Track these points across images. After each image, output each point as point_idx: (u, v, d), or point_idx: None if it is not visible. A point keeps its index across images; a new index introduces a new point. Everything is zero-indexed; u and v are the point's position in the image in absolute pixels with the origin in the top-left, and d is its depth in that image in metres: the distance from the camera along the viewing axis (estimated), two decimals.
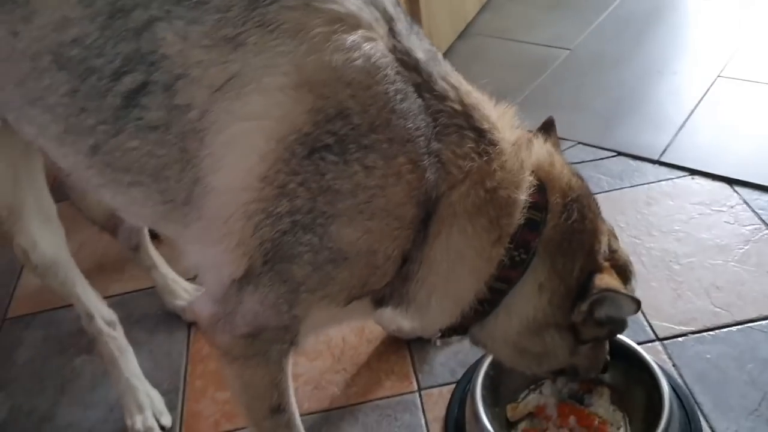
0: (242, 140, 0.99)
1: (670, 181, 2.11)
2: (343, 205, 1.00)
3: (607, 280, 1.15)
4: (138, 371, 1.66)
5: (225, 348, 1.17)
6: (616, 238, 1.25)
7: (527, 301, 1.16)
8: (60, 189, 1.58)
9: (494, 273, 1.11)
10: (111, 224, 1.75)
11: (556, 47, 2.79)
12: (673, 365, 1.58)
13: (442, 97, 1.04)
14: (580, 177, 1.21)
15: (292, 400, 1.27)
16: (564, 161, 1.20)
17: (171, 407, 1.69)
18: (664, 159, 2.19)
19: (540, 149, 1.17)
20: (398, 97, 0.98)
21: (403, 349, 1.73)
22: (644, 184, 2.11)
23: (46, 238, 1.46)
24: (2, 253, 1.91)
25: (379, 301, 1.15)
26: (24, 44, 1.03)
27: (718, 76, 2.49)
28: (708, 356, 1.59)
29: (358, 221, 1.01)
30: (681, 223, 1.96)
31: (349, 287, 1.07)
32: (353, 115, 0.97)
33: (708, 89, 2.44)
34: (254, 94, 0.97)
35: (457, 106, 1.05)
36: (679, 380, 1.55)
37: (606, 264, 1.18)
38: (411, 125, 0.99)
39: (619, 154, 2.23)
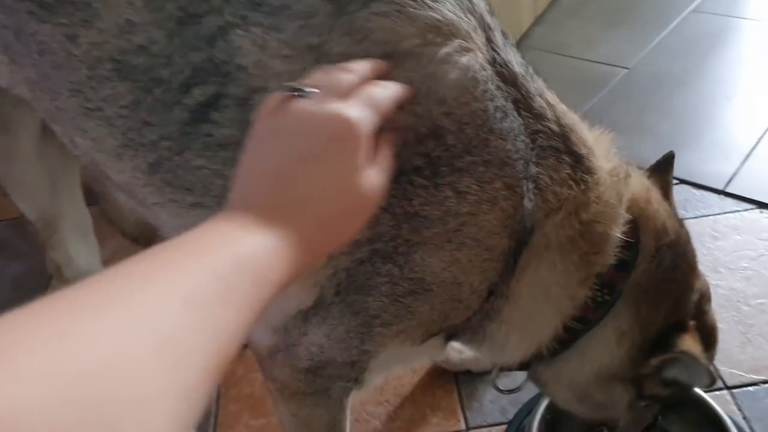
0: None
1: (737, 213, 1.99)
2: (429, 233, 0.90)
3: (689, 342, 1.04)
4: None
5: (283, 382, 1.08)
6: (709, 299, 1.14)
7: (604, 347, 1.06)
8: (88, 194, 1.52)
9: (576, 313, 1.01)
10: (144, 237, 1.67)
11: (614, 65, 2.67)
12: (744, 417, 1.47)
13: (540, 116, 0.93)
14: (679, 221, 1.09)
15: None
16: (662, 200, 1.09)
17: None
18: (730, 189, 2.07)
19: (638, 182, 1.05)
20: (498, 115, 0.87)
21: (450, 383, 1.64)
22: (709, 215, 1.99)
23: (82, 253, 1.39)
24: (31, 263, 1.85)
25: (452, 336, 1.06)
26: (83, 50, 0.93)
27: None
28: None
29: (445, 250, 0.91)
30: (749, 260, 1.83)
31: (428, 322, 0.98)
32: (447, 134, 0.86)
33: None
34: None
35: (555, 127, 0.94)
36: None
37: (692, 324, 1.07)
38: (510, 147, 0.89)
39: (682, 182, 2.11)
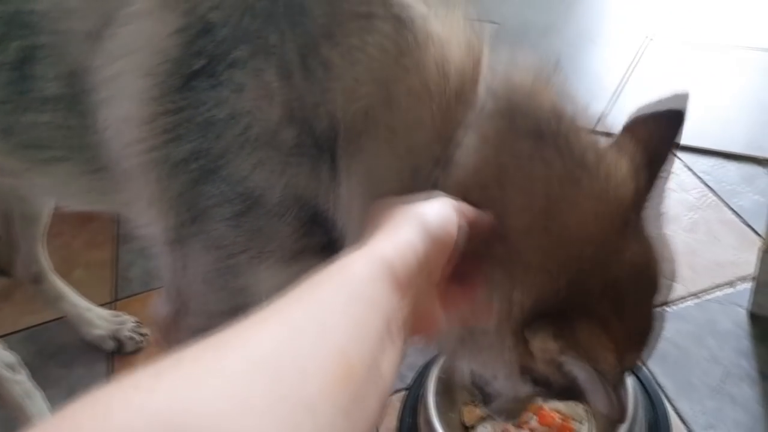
0: (120, 83, 0.86)
1: None
2: (227, 138, 0.85)
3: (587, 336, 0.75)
4: (48, 415, 1.48)
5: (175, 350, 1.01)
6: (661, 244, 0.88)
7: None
8: None
9: None
10: (4, 261, 1.56)
11: (483, 21, 2.68)
12: None
13: None
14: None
15: None
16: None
17: None
18: (601, 128, 2.10)
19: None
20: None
21: None
22: None
23: None
24: None
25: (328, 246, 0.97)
26: None
27: (649, 38, 2.43)
28: (667, 335, 1.48)
29: (244, 155, 0.85)
30: None
31: (279, 237, 0.91)
32: (216, 28, 0.83)
33: (639, 54, 2.37)
34: (124, 27, 0.85)
35: None
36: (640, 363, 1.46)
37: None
38: (277, 30, 0.83)
39: None
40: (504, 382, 0.93)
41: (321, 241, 0.95)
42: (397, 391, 1.51)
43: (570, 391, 0.83)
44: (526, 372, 0.85)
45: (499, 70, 0.89)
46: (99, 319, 1.71)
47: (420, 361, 1.53)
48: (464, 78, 0.87)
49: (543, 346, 0.77)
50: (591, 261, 0.79)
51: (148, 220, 0.95)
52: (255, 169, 0.86)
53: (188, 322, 0.99)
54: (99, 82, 0.88)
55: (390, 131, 0.85)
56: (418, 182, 0.85)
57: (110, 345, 1.69)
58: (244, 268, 0.94)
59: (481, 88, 0.87)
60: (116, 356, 1.69)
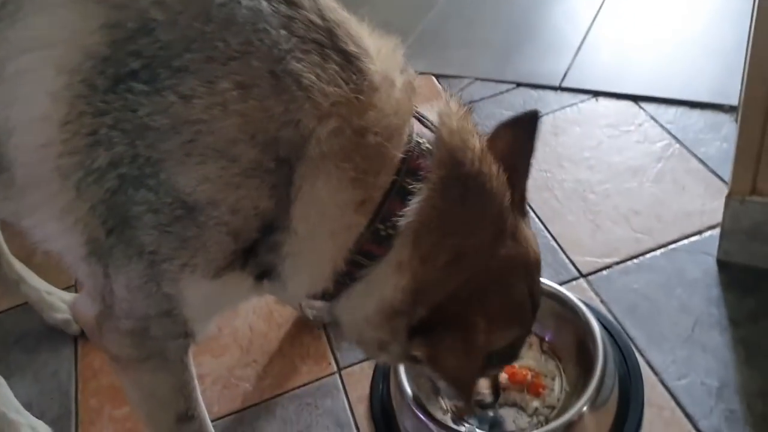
0: (27, 79, 0.80)
1: (574, 106, 2.01)
2: (166, 147, 0.81)
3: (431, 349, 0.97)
4: (14, 403, 1.45)
5: (115, 351, 1.00)
6: (528, 277, 1.02)
7: (385, 286, 0.94)
8: None
9: (357, 246, 0.92)
10: None
11: None
12: (601, 301, 1.49)
13: (296, 4, 0.83)
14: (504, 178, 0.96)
15: (201, 404, 1.10)
16: (474, 134, 0.95)
17: None
18: (565, 84, 2.09)
19: (444, 107, 0.95)
20: (219, 1, 0.79)
21: (318, 328, 1.58)
22: (549, 113, 2.00)
23: None
24: None
25: (261, 276, 0.97)
26: None
27: None
28: (635, 286, 1.50)
29: (188, 165, 0.82)
30: (591, 150, 1.86)
31: (206, 252, 0.89)
32: (159, 28, 0.78)
33: (601, 6, 2.34)
34: (32, 16, 0.79)
35: (317, 19, 0.84)
36: (609, 316, 1.45)
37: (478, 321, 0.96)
38: (240, 39, 0.79)
39: (519, 85, 2.12)
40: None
41: (252, 262, 0.93)
42: (369, 358, 1.49)
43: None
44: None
45: (433, 114, 0.96)
46: (62, 303, 1.66)
47: None
48: (401, 118, 0.90)
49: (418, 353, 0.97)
50: (469, 275, 0.94)
51: (57, 230, 0.89)
52: (204, 180, 0.83)
53: (115, 325, 0.96)
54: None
55: (347, 158, 0.85)
56: (365, 213, 0.89)
57: (74, 329, 1.65)
58: (169, 277, 0.91)
59: (413, 129, 0.93)
60: (81, 340, 1.66)
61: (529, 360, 1.38)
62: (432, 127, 0.94)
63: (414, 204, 0.90)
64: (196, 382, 1.08)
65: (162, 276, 0.90)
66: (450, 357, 0.95)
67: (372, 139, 0.86)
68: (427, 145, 0.92)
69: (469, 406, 1.24)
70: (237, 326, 1.63)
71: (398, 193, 0.90)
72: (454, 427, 1.26)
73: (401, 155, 0.89)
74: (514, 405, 1.34)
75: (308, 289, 0.99)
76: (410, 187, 0.89)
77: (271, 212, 0.87)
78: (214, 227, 0.86)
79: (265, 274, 0.95)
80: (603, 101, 2.01)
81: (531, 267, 1.02)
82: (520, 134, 1.00)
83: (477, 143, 0.94)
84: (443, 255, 0.92)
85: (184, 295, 0.94)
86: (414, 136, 0.92)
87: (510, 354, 1.10)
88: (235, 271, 0.93)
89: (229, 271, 0.93)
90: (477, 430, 1.30)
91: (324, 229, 0.90)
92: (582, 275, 1.55)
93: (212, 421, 1.43)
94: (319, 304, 1.51)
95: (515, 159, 0.98)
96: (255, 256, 0.91)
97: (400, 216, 0.90)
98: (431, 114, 0.96)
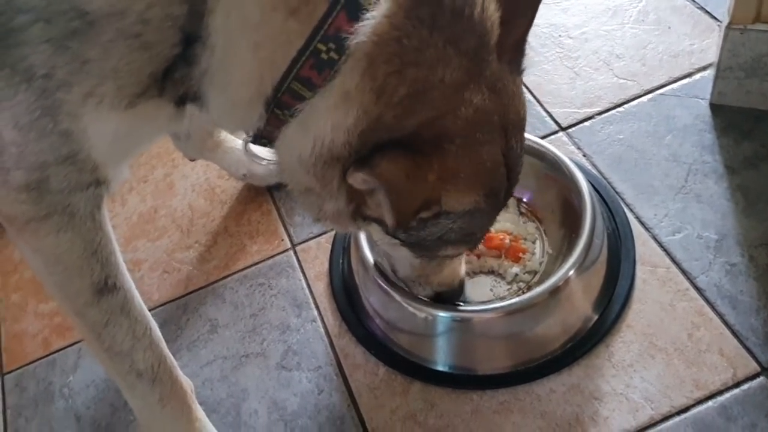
0: None
1: None
2: None
3: (396, 169, 0.74)
4: None
5: (7, 211, 0.82)
6: (491, 130, 0.80)
7: (327, 120, 0.77)
8: None
9: (293, 70, 0.75)
10: None
11: None
12: (584, 155, 1.33)
13: None
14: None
15: (124, 272, 0.92)
16: None
17: None
18: None
19: None
20: None
21: (267, 203, 1.41)
22: None
23: None
24: None
25: (181, 100, 0.81)
26: None
27: None
28: (621, 137, 1.34)
29: None
30: None
31: (115, 74, 0.73)
32: None
33: None
34: None
35: None
36: (594, 171, 1.30)
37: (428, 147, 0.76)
38: None
39: None
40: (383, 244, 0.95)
41: (171, 84, 0.78)
42: (326, 233, 1.33)
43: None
44: (367, 217, 0.86)
45: None
46: None
47: None
48: None
49: (354, 180, 0.76)
50: (429, 118, 0.76)
51: None
52: None
53: (4, 178, 0.78)
54: None
55: None
56: (299, 24, 0.72)
57: None
58: (68, 110, 0.75)
59: None
60: None
61: (506, 223, 1.23)
62: None
63: (369, 20, 0.71)
64: (115, 244, 0.89)
65: (59, 108, 0.74)
66: (393, 178, 0.75)
67: None
68: None
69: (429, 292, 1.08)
70: (174, 206, 1.44)
71: (348, 6, 0.70)
72: (422, 297, 1.11)
73: None
74: (491, 272, 1.20)
75: (233, 116, 0.82)
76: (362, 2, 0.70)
77: (185, 19, 0.71)
78: (123, 43, 0.71)
79: (186, 98, 0.79)
80: None
81: (509, 129, 0.82)
82: None
83: None
84: (401, 88, 0.73)
85: (89, 132, 0.78)
86: None
87: (467, 233, 0.89)
88: (153, 98, 0.77)
89: (145, 99, 0.77)
90: None
91: (244, 40, 0.73)
92: (561, 128, 1.38)
93: (152, 309, 1.26)
94: (259, 168, 1.33)
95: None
96: (172, 75, 0.75)
97: (349, 34, 0.71)
98: None
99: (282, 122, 0.80)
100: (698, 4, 1.53)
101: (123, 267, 0.92)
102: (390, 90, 0.73)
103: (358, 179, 0.76)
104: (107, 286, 0.89)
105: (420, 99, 0.74)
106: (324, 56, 0.72)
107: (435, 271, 1.04)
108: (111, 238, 0.88)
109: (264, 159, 1.13)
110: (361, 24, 0.71)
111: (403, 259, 1.01)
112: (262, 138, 0.85)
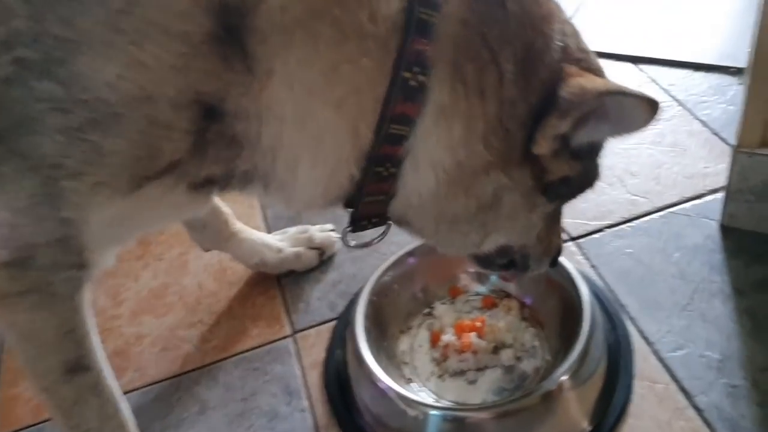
0: None
1: None
2: (86, 23, 0.64)
3: (583, 81, 0.79)
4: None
5: None
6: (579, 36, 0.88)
7: (447, 139, 0.79)
8: None
9: (384, 111, 0.75)
10: None
11: None
12: (592, 266, 1.33)
13: None
14: None
15: (98, 354, 0.90)
16: None
17: None
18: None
19: None
20: None
21: (273, 288, 1.42)
22: None
23: None
24: None
25: (203, 184, 0.79)
26: None
27: None
28: (629, 251, 1.34)
29: (117, 48, 0.65)
30: None
31: (129, 163, 0.72)
32: None
33: None
34: None
35: None
36: (600, 281, 1.29)
37: (573, 69, 0.82)
38: None
39: None
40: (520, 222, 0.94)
41: (200, 174, 0.77)
42: (326, 321, 1.33)
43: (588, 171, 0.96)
44: (546, 187, 0.89)
45: None
46: None
47: (353, 289, 1.36)
48: None
49: (552, 125, 0.80)
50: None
51: None
52: (132, 67, 0.66)
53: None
54: None
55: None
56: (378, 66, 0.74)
57: None
58: (70, 197, 0.73)
59: None
60: None
61: (499, 321, 1.22)
62: None
63: (441, 28, 0.74)
64: (90, 326, 0.88)
65: (62, 197, 0.73)
66: (591, 85, 0.80)
67: None
68: None
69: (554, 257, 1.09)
70: (185, 284, 1.47)
71: (417, 27, 0.73)
72: (417, 399, 1.09)
73: None
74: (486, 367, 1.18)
75: (329, 182, 0.82)
76: (426, 17, 0.73)
77: (221, 97, 0.70)
78: (146, 127, 0.70)
79: (212, 181, 0.78)
80: (600, 62, 1.84)
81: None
82: None
83: None
84: (508, 65, 0.78)
85: (90, 220, 0.76)
86: None
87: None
88: (160, 179, 0.76)
89: (152, 180, 0.75)
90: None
91: (328, 102, 0.74)
92: (572, 238, 1.38)
93: (145, 386, 1.28)
94: (270, 255, 1.36)
95: None
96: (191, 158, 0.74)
97: (425, 51, 0.74)
98: None
99: (388, 181, 0.82)
100: (713, 130, 1.56)
101: (98, 347, 0.90)
102: (498, 74, 0.77)
103: (555, 128, 0.81)
104: (79, 366, 0.88)
105: (528, 60, 0.79)
106: (412, 82, 0.74)
107: (553, 229, 1.03)
108: (86, 320, 0.87)
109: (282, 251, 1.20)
110: (432, 39, 0.74)
111: (531, 228, 0.97)
112: (362, 219, 0.88)
